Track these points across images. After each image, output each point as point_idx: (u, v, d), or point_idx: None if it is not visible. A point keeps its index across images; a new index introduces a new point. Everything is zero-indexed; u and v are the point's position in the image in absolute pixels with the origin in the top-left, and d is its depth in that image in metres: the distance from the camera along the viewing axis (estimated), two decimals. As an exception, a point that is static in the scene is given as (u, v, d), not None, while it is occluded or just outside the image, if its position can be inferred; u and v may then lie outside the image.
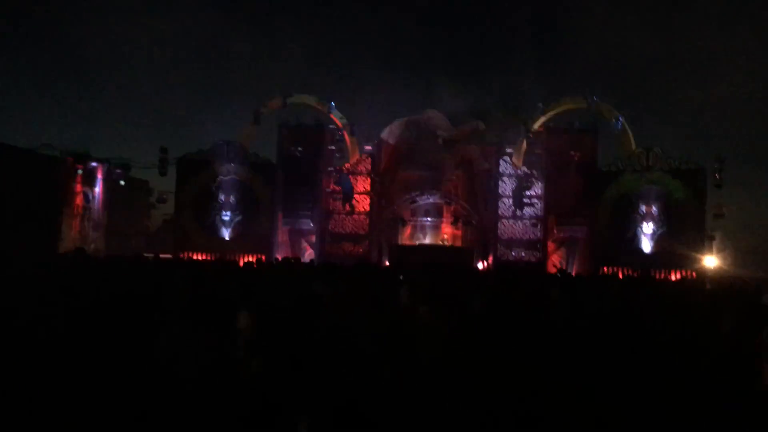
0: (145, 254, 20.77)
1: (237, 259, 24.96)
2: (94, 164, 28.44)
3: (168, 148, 28.92)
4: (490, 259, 28.38)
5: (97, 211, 28.80)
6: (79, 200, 27.91)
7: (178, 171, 29.02)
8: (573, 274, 23.59)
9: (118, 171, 29.17)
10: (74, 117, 46.56)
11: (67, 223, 27.12)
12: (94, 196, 28.65)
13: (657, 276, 24.04)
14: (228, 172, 28.72)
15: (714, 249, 26.65)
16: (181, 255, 26.40)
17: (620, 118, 28.37)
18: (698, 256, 25.86)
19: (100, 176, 28.80)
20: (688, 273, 24.79)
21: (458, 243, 29.71)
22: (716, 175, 26.19)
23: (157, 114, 50.53)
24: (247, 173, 28.75)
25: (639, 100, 40.15)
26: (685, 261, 25.57)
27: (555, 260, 28.62)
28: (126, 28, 44.14)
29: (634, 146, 27.87)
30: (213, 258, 24.27)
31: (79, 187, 27.87)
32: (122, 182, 29.52)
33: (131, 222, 31.59)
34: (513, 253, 28.68)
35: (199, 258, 26.10)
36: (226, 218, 28.64)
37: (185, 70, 50.43)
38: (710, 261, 26.12)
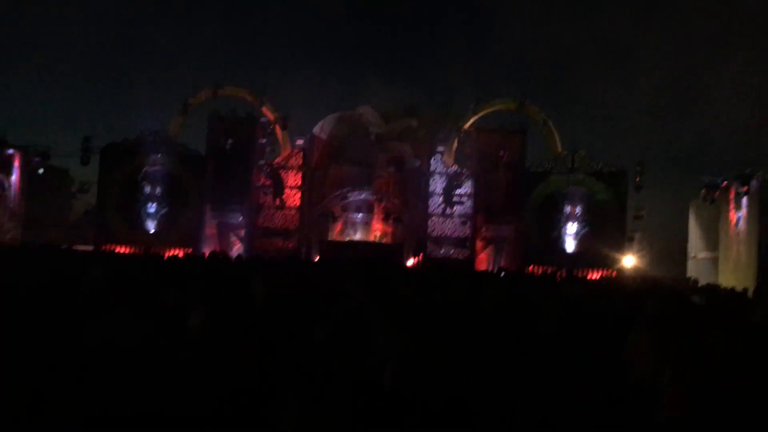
0: (63, 246, 20.01)
1: (162, 252, 24.33)
2: (10, 151, 27.13)
3: (91, 137, 27.91)
4: (420, 256, 28.65)
5: (14, 200, 27.50)
6: (-7, 188, 26.61)
7: (102, 160, 28.05)
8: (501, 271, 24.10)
9: (37, 159, 27.92)
10: (-11, 101, 44.24)
11: (-20, 212, 25.82)
12: (10, 185, 27.33)
13: (579, 275, 24.88)
14: (154, 162, 27.94)
15: (633, 249, 27.72)
16: (103, 248, 25.51)
17: (548, 121, 29.13)
18: (618, 256, 26.87)
19: (17, 164, 27.50)
20: (609, 272, 25.76)
21: (388, 240, 29.85)
22: (637, 178, 27.27)
23: (80, 101, 48.55)
24: (175, 165, 28.05)
25: (567, 102, 41.30)
26: (607, 260, 26.53)
27: (483, 258, 29.14)
28: (48, 8, 42.21)
29: (560, 148, 28.68)
30: (136, 251, 23.58)
31: (-7, 175, 26.57)
32: (41, 171, 28.24)
33: (50, 212, 30.30)
34: (443, 251, 29.04)
35: (122, 251, 25.28)
36: (152, 210, 27.87)
37: (111, 56, 48.75)
38: (629, 261, 27.17)
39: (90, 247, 24.35)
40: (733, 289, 10.34)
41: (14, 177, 27.42)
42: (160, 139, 28.28)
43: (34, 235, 26.69)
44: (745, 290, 11.63)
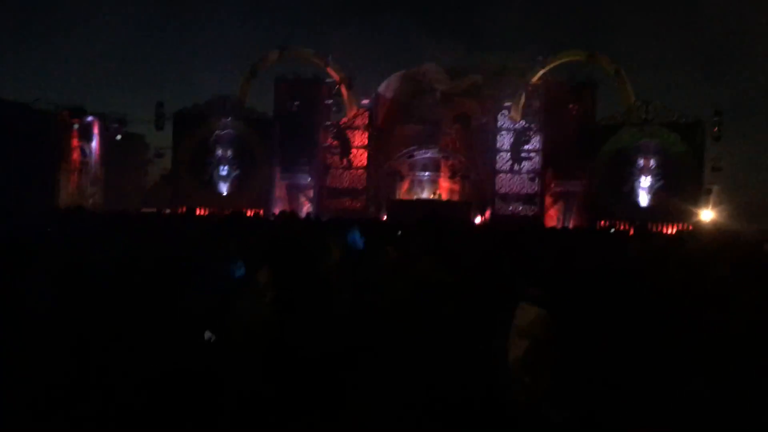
0: (145, 209, 20.86)
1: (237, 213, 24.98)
2: (90, 119, 28.30)
3: (164, 103, 28.76)
4: (488, 213, 28.46)
5: (95, 166, 28.76)
6: (76, 155, 27.86)
7: (175, 126, 28.87)
8: (570, 227, 23.71)
9: (115, 125, 29.03)
10: (68, 71, 46.00)
11: (65, 178, 27.11)
12: (90, 151, 28.58)
13: (653, 229, 24.20)
14: (225, 126, 28.59)
15: (711, 203, 26.71)
16: (180, 210, 26.42)
17: (620, 71, 28.11)
18: (695, 209, 25.94)
19: (96, 131, 28.68)
20: (685, 226, 24.93)
21: (456, 197, 29.73)
22: (715, 129, 26.11)
23: (153, 68, 49.96)
24: (244, 128, 28.63)
25: (639, 51, 39.66)
26: (682, 215, 25.63)
27: (552, 214, 28.71)
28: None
29: (633, 99, 27.69)
30: (214, 212, 24.32)
31: (75, 142, 27.79)
32: (119, 137, 29.37)
33: (128, 177, 31.52)
34: (510, 208, 28.75)
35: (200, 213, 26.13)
36: (224, 173, 28.62)
37: (180, 23, 49.62)
38: (707, 215, 26.21)
39: (168, 210, 25.26)
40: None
41: (94, 143, 28.62)
42: (230, 103, 28.85)
43: (114, 200, 27.90)
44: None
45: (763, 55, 33.59)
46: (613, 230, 18.96)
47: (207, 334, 3.10)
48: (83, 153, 28.22)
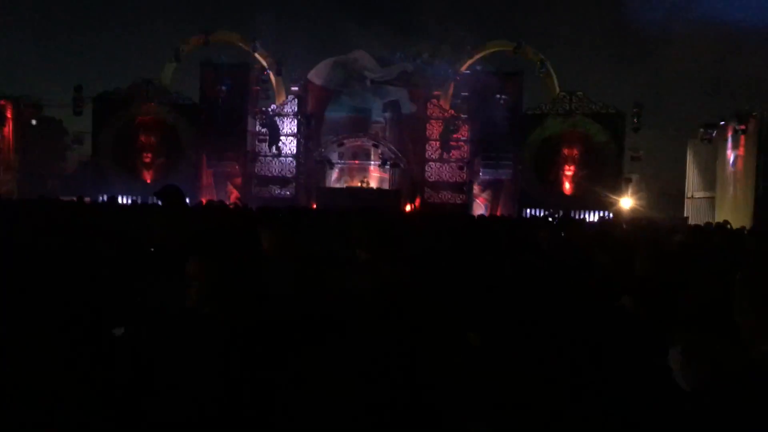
0: (63, 197, 19.98)
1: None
2: (2, 102, 26.88)
3: (83, 87, 27.57)
4: (417, 201, 28.68)
5: (8, 152, 27.37)
6: (-13, 141, 26.45)
7: (95, 110, 27.80)
8: (497, 215, 24.16)
9: (29, 110, 27.68)
10: (-22, 52, 43.45)
11: (-25, 165, 25.72)
12: (2, 137, 27.16)
13: (576, 217, 24.96)
14: (148, 111, 27.70)
15: (630, 191, 27.75)
16: (100, 198, 25.48)
17: (545, 62, 28.76)
18: (616, 198, 26.90)
19: (9, 115, 27.27)
20: (606, 214, 25.83)
21: (386, 186, 29.82)
22: (634, 120, 27.09)
23: (71, 50, 47.76)
24: (169, 113, 27.82)
25: (564, 43, 40.66)
26: (604, 203, 26.54)
27: (481, 202, 29.20)
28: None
29: (557, 90, 28.39)
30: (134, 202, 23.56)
31: (-14, 127, 26.37)
32: (34, 122, 28.02)
33: (45, 164, 30.16)
34: (440, 196, 29.06)
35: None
36: (147, 160, 27.78)
37: (102, 3, 47.66)
38: (626, 202, 27.22)
39: (88, 198, 24.30)
40: (723, 225, 10.39)
41: (7, 128, 27.22)
42: (153, 88, 27.97)
43: (31, 187, 26.64)
44: (742, 228, 11.70)
45: (680, 46, 34.97)
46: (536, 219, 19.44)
47: (116, 330, 2.97)
48: (-5, 138, 26.83)
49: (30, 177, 28.02)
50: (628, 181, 27.75)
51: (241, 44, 29.45)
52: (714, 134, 26.54)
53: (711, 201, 27.24)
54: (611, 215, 25.47)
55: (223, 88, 27.97)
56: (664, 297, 3.44)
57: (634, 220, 19.48)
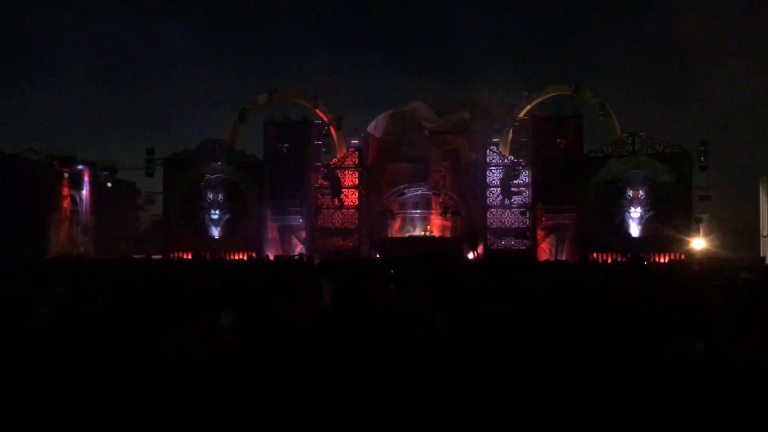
0: (136, 256, 20.76)
1: (227, 257, 24.98)
2: (80, 167, 28.34)
3: (154, 149, 28.87)
4: (480, 249, 28.47)
5: (85, 214, 28.71)
6: (66, 204, 27.81)
7: (165, 171, 28.96)
8: (563, 259, 23.75)
9: (105, 173, 29.09)
10: (58, 121, 46.22)
11: (55, 227, 27.02)
12: (81, 200, 28.55)
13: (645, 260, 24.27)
14: (215, 170, 28.70)
15: (701, 231, 26.85)
16: (172, 255, 26.32)
17: (605, 104, 28.50)
18: (686, 238, 26.07)
19: (86, 179, 28.70)
20: (677, 256, 25.01)
21: (448, 234, 29.77)
22: (701, 158, 26.40)
23: (142, 115, 50.29)
24: (234, 171, 28.74)
25: (624, 84, 40.31)
26: (674, 244, 25.76)
27: (545, 247, 28.76)
28: (106, 27, 43.86)
29: (619, 131, 28.02)
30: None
31: (65, 191, 27.77)
32: (109, 184, 29.39)
33: (119, 224, 31.43)
34: (503, 242, 28.78)
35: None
36: (215, 217, 28.63)
37: (169, 71, 50.18)
38: (698, 243, 26.33)
39: (159, 256, 25.11)
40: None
41: (84, 192, 28.60)
42: (219, 148, 29.03)
43: (106, 248, 27.76)
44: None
45: (745, 82, 34.19)
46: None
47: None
48: (74, 202, 28.19)
49: (105, 237, 29.20)
50: (699, 221, 26.86)
51: (302, 102, 30.36)
52: (787, 170, 25.55)
53: (789, 239, 26.06)
54: (682, 256, 24.68)
55: (286, 144, 28.76)
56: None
57: (706, 262, 18.86)
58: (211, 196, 28.67)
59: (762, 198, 28.12)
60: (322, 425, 2.78)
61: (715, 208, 28.06)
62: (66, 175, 27.64)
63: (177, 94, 49.38)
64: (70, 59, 44.21)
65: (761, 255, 26.46)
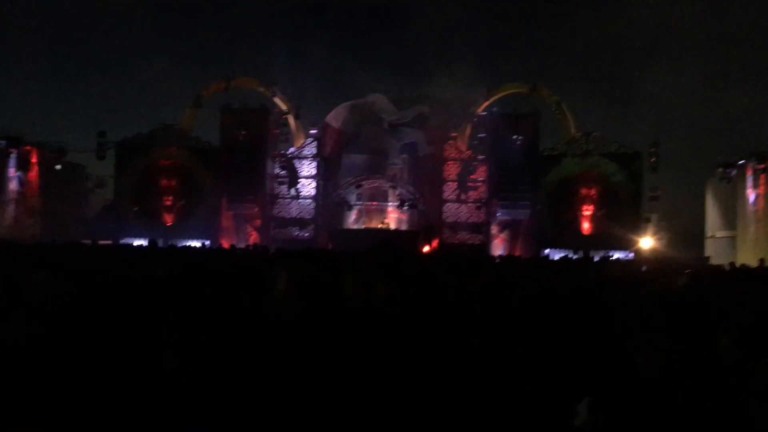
0: (83, 241, 20.24)
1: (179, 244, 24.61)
2: (27, 148, 27.47)
3: (106, 132, 28.19)
4: (436, 242, 28.65)
5: (32, 196, 27.87)
6: (12, 185, 26.94)
7: (117, 155, 28.36)
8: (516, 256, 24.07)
9: (54, 155, 28.24)
10: (5, 100, 44.70)
11: (0, 209, 26.17)
12: (28, 182, 27.69)
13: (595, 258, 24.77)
14: (169, 156, 28.18)
15: (650, 231, 27.54)
16: (121, 241, 25.79)
17: (561, 103, 28.94)
18: (635, 237, 26.70)
19: (34, 160, 27.84)
20: (626, 254, 25.59)
21: (404, 227, 29.88)
22: (652, 159, 27.05)
23: (95, 96, 48.97)
24: (189, 157, 28.29)
25: (579, 84, 40.98)
26: (624, 242, 26.36)
27: (499, 242, 29.12)
28: (59, 7, 42.49)
29: (573, 130, 28.50)
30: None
31: (12, 172, 26.89)
32: (58, 167, 28.57)
33: (68, 208, 30.61)
34: (458, 236, 29.05)
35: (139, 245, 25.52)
36: (168, 203, 28.14)
37: (123, 51, 49.00)
38: (647, 242, 27.00)
39: (109, 242, 24.58)
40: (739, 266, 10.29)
41: (32, 174, 27.76)
42: (174, 133, 28.52)
43: (53, 232, 27.01)
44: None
45: (696, 85, 35.11)
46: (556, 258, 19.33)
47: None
48: (20, 183, 27.32)
49: (53, 221, 28.43)
50: (648, 220, 27.56)
51: (260, 89, 30.01)
52: (733, 173, 26.36)
53: (732, 240, 26.91)
54: (631, 255, 25.27)
55: (243, 132, 28.41)
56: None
57: (654, 261, 19.33)
58: (164, 182, 28.16)
59: (708, 200, 29.00)
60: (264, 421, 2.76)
61: (663, 208, 28.85)
62: (12, 155, 26.78)
63: (131, 76, 48.24)
64: (20, 35, 42.78)
65: (706, 255, 27.28)
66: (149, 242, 16.50)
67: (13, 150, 26.70)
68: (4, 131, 26.60)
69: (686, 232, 30.89)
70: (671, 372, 2.85)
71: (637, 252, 25.96)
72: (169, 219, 28.11)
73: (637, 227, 26.90)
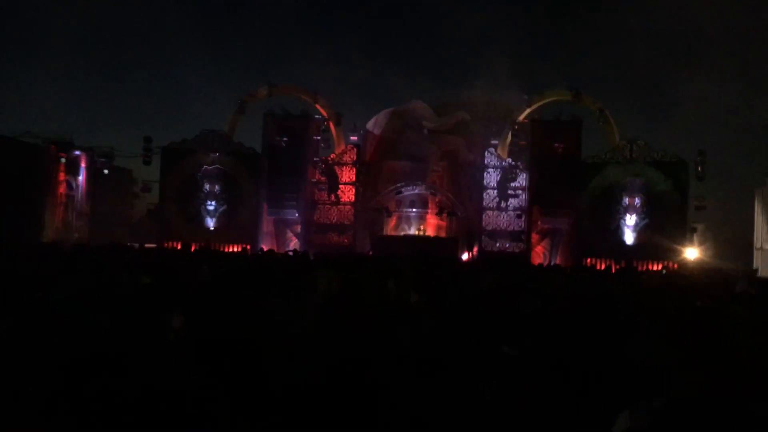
0: (129, 243, 20.74)
1: (221, 248, 25.02)
2: (77, 153, 28.29)
3: (152, 137, 28.82)
4: (475, 250, 28.51)
5: (81, 200, 28.66)
6: (62, 189, 27.77)
7: (163, 160, 28.92)
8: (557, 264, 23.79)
9: (102, 160, 29.00)
10: (57, 105, 46.08)
11: (50, 211, 26.98)
12: (77, 185, 28.51)
13: (639, 267, 24.35)
14: (212, 161, 28.67)
15: (695, 241, 26.94)
16: (166, 245, 26.32)
17: (604, 110, 28.54)
18: (680, 247, 26.14)
19: (83, 165, 28.66)
20: (670, 264, 25.09)
21: (443, 234, 29.79)
22: (698, 168, 26.48)
23: (141, 103, 50.13)
24: (232, 162, 28.72)
25: (624, 91, 40.36)
26: (668, 252, 25.83)
27: (539, 251, 28.81)
28: (107, 14, 43.68)
29: (617, 138, 28.07)
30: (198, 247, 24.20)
31: (62, 176, 27.73)
32: (106, 171, 29.33)
33: (115, 211, 31.39)
34: (497, 245, 28.80)
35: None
36: (211, 208, 28.60)
37: (170, 58, 50.03)
38: (692, 253, 26.41)
39: (153, 245, 25.09)
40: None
41: (81, 178, 28.56)
42: (218, 138, 28.99)
43: (100, 234, 27.72)
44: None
45: (743, 97, 34.29)
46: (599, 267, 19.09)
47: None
48: (69, 187, 28.13)
49: (100, 224, 29.17)
50: (693, 230, 26.94)
51: (303, 96, 30.34)
52: (783, 182, 25.64)
53: (782, 252, 26.17)
54: (675, 265, 24.77)
55: (285, 137, 28.74)
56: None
57: (700, 271, 18.91)
58: (207, 186, 28.63)
59: (757, 209, 28.22)
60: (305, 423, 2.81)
61: (710, 218, 28.17)
62: (63, 160, 27.59)
63: (177, 83, 49.28)
64: (71, 44, 44.05)
65: (754, 267, 26.56)
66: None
67: (63, 154, 27.50)
68: (54, 136, 27.43)
69: (734, 243, 30.12)
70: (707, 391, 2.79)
71: (681, 262, 25.41)
72: (211, 223, 28.57)
73: (683, 237, 26.33)
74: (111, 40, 46.94)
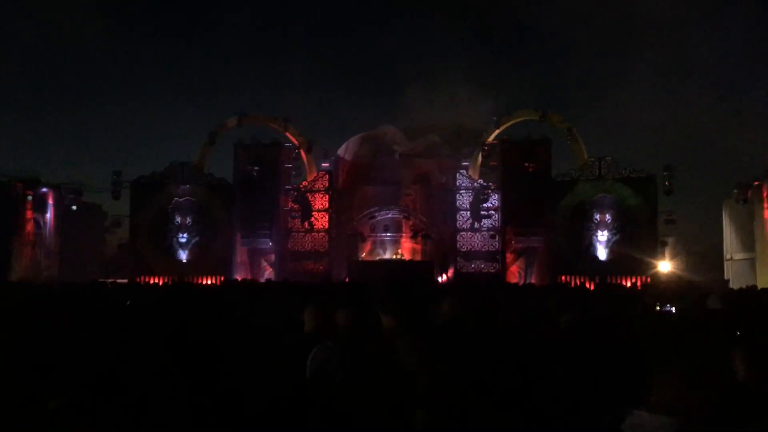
0: (101, 280, 20.38)
1: (195, 281, 24.71)
2: (44, 189, 27.83)
3: (121, 171, 28.54)
4: (451, 271, 28.54)
5: (49, 237, 28.15)
6: (29, 227, 27.25)
7: (132, 194, 28.62)
8: (532, 282, 23.89)
9: (70, 196, 28.56)
10: (22, 142, 45.51)
11: (18, 250, 26.43)
12: (45, 222, 27.99)
13: (613, 282, 24.58)
14: (183, 193, 28.43)
15: (667, 254, 27.28)
16: (138, 280, 25.92)
17: (572, 129, 28.92)
18: (653, 261, 26.44)
19: (51, 201, 28.18)
20: (643, 278, 25.36)
21: (418, 257, 29.79)
22: (666, 182, 26.88)
23: (109, 137, 49.72)
24: (203, 194, 28.51)
25: (591, 110, 41.02)
26: (641, 267, 26.10)
27: (514, 271, 28.92)
28: (74, 45, 43.39)
29: (586, 156, 28.43)
30: (171, 281, 23.88)
31: (29, 214, 27.22)
32: (74, 207, 28.87)
33: (85, 248, 30.88)
34: (473, 265, 28.88)
35: (157, 281, 25.63)
36: (183, 240, 28.30)
37: (138, 92, 49.78)
38: (664, 266, 26.73)
39: (125, 280, 24.70)
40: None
41: (48, 215, 28.07)
42: (188, 170, 28.79)
43: (71, 272, 27.23)
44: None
45: (709, 111, 35.05)
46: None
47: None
48: (37, 225, 27.62)
49: (70, 261, 28.67)
50: (664, 244, 27.28)
51: (272, 125, 30.30)
52: (749, 194, 26.11)
53: (751, 262, 26.58)
54: (649, 279, 25.03)
55: (256, 167, 28.60)
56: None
57: (674, 285, 19.10)
58: (179, 218, 28.35)
59: (725, 222, 28.71)
60: None
61: (679, 231, 28.60)
62: (29, 197, 27.12)
63: (145, 116, 49.02)
64: (37, 78, 43.64)
65: (725, 278, 26.94)
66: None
67: (29, 192, 27.05)
68: (20, 173, 27.01)
69: (704, 255, 30.60)
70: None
71: (655, 276, 25.70)
72: (184, 255, 28.25)
73: (654, 251, 26.65)
74: (78, 72, 46.55)
